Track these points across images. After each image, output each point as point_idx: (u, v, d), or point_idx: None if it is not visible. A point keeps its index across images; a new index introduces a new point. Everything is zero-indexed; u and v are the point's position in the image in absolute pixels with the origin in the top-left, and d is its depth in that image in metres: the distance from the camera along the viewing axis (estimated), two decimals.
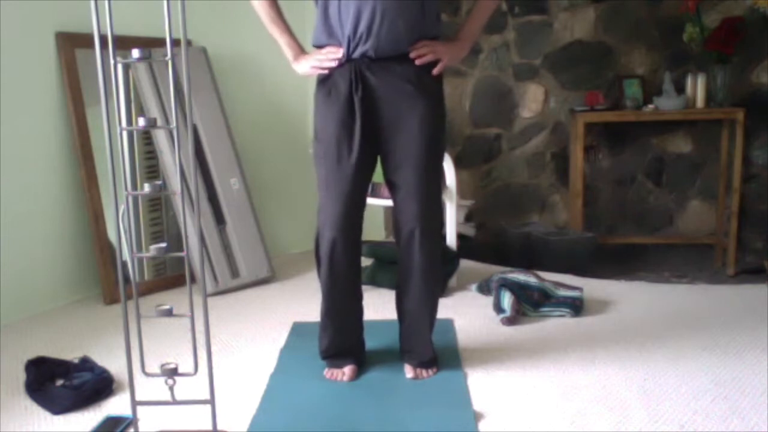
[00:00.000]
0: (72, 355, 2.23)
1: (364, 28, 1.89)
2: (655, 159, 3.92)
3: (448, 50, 2.02)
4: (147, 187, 1.53)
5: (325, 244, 2.02)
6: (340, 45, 1.95)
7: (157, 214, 3.08)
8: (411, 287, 2.08)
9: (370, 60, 1.94)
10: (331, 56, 1.96)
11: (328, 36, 1.98)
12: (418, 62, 1.96)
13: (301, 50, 2.09)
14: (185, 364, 1.66)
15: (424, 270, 2.04)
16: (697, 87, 3.58)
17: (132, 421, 1.65)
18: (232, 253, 3.11)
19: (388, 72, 1.95)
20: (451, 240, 3.02)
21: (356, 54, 1.93)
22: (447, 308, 2.68)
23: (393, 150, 2.00)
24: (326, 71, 1.98)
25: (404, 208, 2.02)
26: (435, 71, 2.00)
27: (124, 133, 1.62)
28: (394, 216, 2.08)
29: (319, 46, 2.02)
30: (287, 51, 2.10)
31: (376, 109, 1.96)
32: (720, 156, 3.74)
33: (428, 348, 2.14)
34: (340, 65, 1.96)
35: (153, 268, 3.07)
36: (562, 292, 2.75)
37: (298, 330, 2.54)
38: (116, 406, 1.98)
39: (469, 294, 2.92)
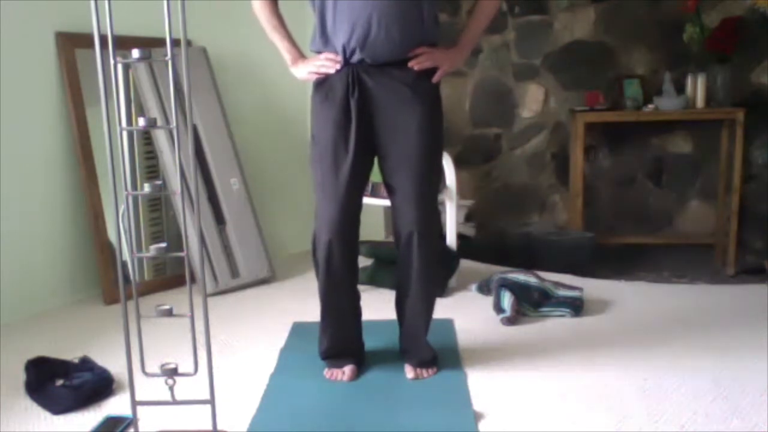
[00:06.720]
0: (72, 355, 2.23)
1: (360, 36, 1.89)
2: (655, 159, 3.92)
3: (447, 57, 2.02)
4: (147, 187, 1.53)
5: (321, 246, 2.01)
6: (336, 52, 1.95)
7: (157, 214, 3.08)
8: (410, 289, 2.08)
9: (368, 64, 1.93)
10: (329, 63, 1.96)
11: (325, 43, 1.98)
12: (417, 68, 1.96)
13: (299, 55, 2.09)
14: (185, 364, 1.65)
15: (422, 272, 2.04)
16: (697, 87, 3.58)
17: (132, 421, 1.65)
18: (232, 253, 3.11)
19: (385, 75, 1.94)
20: (451, 240, 3.02)
21: (353, 60, 1.93)
22: (447, 308, 2.68)
23: (390, 153, 2.00)
24: (323, 76, 1.98)
25: (402, 211, 2.02)
26: (434, 79, 2.00)
27: (124, 133, 1.62)
28: (392, 218, 2.09)
29: (318, 52, 2.01)
30: (286, 56, 2.10)
31: (373, 112, 1.96)
32: (720, 156, 3.74)
33: (428, 348, 2.14)
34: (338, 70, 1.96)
35: (153, 268, 3.07)
36: (562, 292, 2.75)
37: (298, 330, 2.54)
38: (116, 406, 1.98)
39: (469, 294, 2.92)
